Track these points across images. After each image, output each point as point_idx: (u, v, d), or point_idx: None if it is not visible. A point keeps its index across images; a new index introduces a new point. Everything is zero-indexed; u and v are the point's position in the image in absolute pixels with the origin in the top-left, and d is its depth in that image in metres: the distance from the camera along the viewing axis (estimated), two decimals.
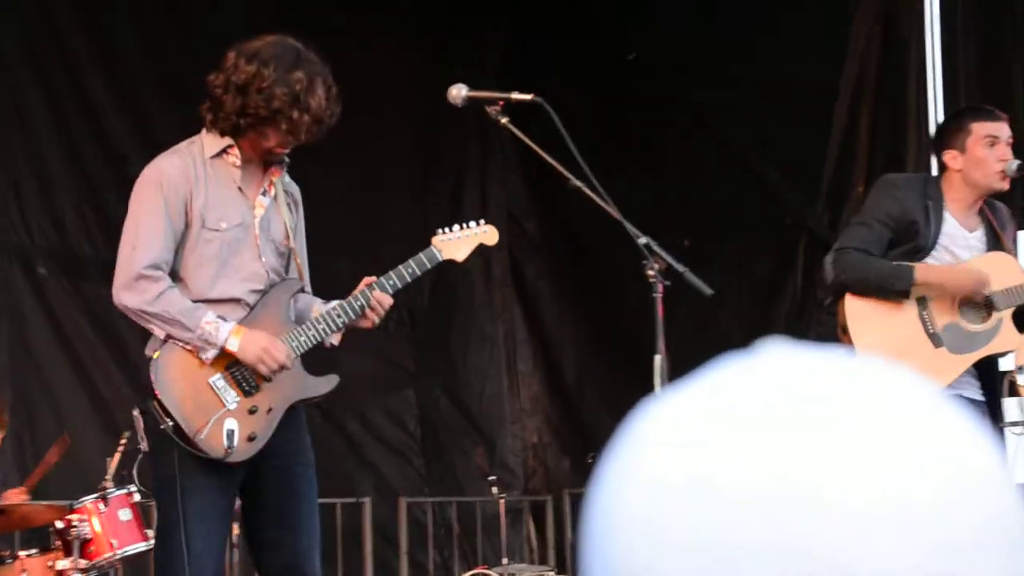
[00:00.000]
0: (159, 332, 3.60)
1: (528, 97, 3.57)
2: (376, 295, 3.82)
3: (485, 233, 4.12)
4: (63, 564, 5.42)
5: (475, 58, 8.78)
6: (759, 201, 8.44)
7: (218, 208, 3.71)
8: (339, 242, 7.29)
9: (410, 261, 3.91)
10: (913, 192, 4.30)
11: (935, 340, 4.20)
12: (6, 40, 7.35)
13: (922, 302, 4.22)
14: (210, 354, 3.61)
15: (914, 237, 4.23)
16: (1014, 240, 4.49)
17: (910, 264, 4.19)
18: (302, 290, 3.92)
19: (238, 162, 3.73)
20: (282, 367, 3.68)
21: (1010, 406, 6.75)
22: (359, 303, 3.84)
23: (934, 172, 7.38)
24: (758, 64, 8.33)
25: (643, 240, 3.35)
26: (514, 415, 9.24)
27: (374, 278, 3.86)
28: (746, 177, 8.49)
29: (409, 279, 3.89)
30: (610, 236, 8.39)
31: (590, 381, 9.05)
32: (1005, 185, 4.32)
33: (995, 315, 4.27)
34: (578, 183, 3.53)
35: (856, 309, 4.22)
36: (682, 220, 8.58)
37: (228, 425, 3.59)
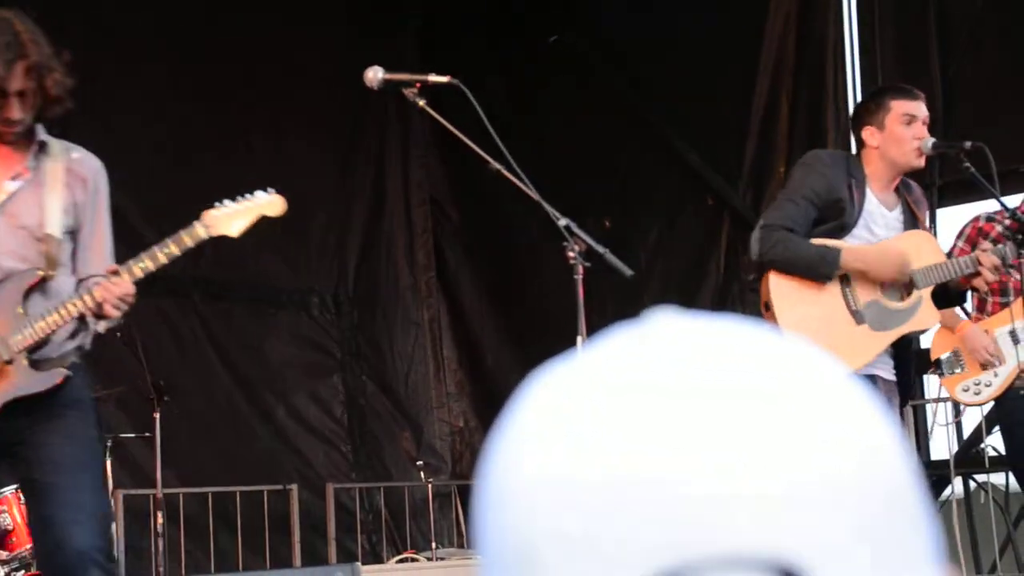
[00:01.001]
0: None
1: (445, 79, 3.54)
2: (104, 284, 3.55)
3: (270, 203, 3.81)
4: None
5: (395, 42, 8.74)
6: (680, 181, 8.47)
7: None
8: (262, 230, 7.22)
9: (167, 240, 3.62)
10: (839, 169, 4.32)
11: (857, 317, 4.23)
12: None
13: (845, 279, 4.25)
14: None
15: (839, 215, 4.25)
16: (929, 219, 4.55)
17: (836, 247, 4.21)
18: (44, 280, 3.66)
19: None
20: None
21: (930, 383, 6.86)
22: (85, 292, 3.59)
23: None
24: (679, 45, 8.36)
25: (563, 222, 3.34)
26: (440, 399, 9.23)
27: (116, 267, 3.59)
28: (668, 157, 8.51)
29: (165, 260, 3.58)
30: (531, 220, 8.45)
31: (511, 365, 9.07)
32: (921, 163, 4.36)
33: (915, 293, 4.31)
34: (498, 166, 3.51)
35: (779, 286, 4.24)
36: (603, 201, 8.61)
37: None
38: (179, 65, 7.96)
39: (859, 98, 7.69)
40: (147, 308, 7.86)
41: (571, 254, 3.39)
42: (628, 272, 3.39)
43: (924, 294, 4.34)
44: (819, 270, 4.21)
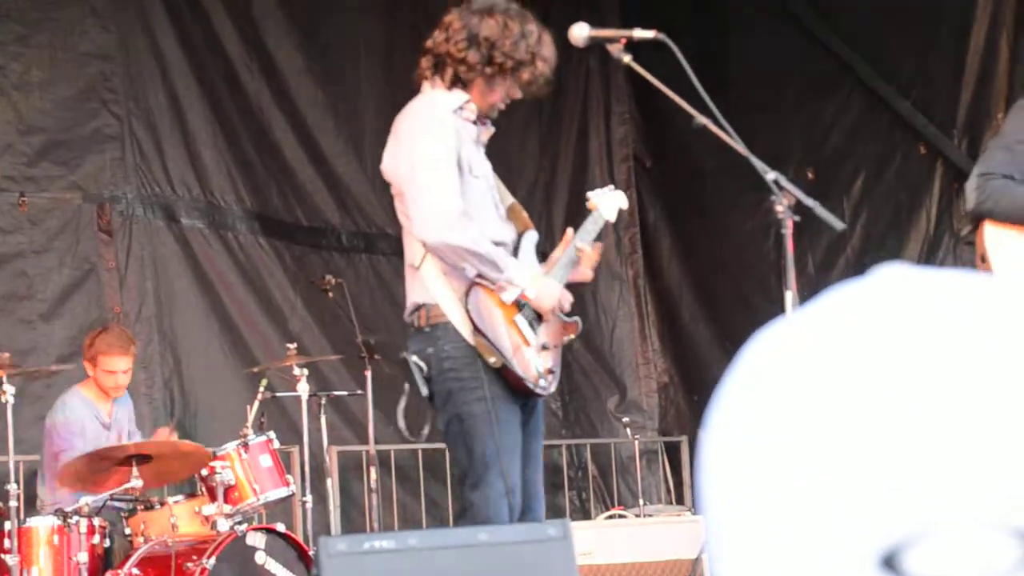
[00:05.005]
0: (471, 271, 3.66)
1: (651, 34, 3.50)
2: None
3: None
4: (209, 509, 5.55)
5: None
6: (889, 130, 8.24)
7: (474, 160, 3.82)
8: None
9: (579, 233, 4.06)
10: None
11: None
12: None
13: None
14: (511, 295, 3.68)
15: None
16: None
17: None
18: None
19: (472, 117, 3.81)
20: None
21: None
22: (573, 253, 3.99)
23: None
24: None
25: (771, 175, 3.27)
26: (645, 356, 9.22)
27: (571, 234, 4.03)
28: (876, 105, 8.28)
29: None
30: (731, 174, 8.34)
31: (708, 322, 9.02)
32: None
33: None
34: (705, 120, 3.46)
35: (997, 237, 4.08)
36: (805, 151, 8.45)
37: (534, 360, 3.70)
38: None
39: None
40: (360, 264, 8.08)
41: (779, 208, 3.32)
42: (841, 225, 3.32)
43: None
44: None
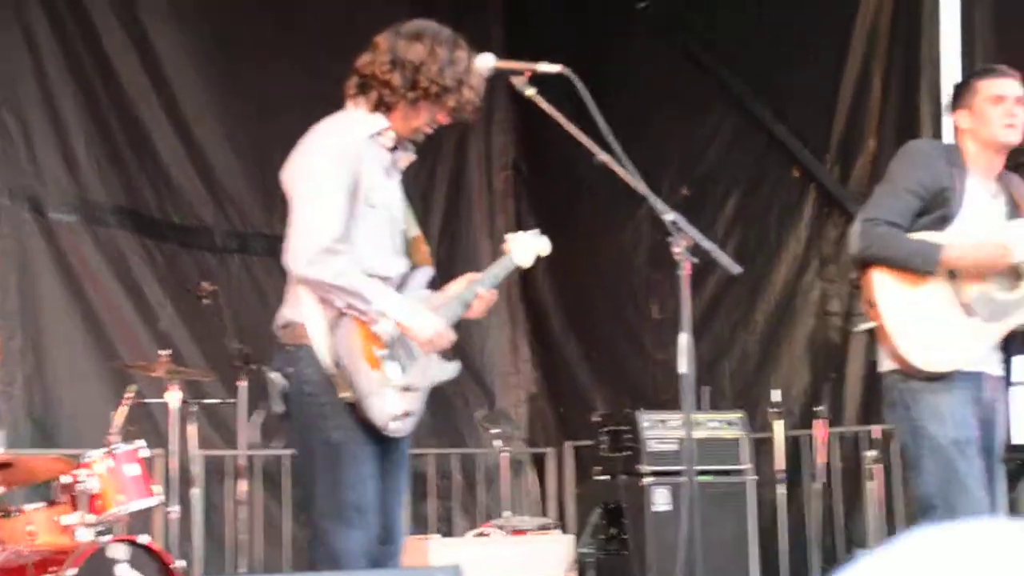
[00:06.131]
0: (339, 302, 3.58)
1: (556, 68, 3.48)
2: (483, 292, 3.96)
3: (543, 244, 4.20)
4: (70, 519, 5.39)
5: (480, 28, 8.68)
6: (764, 152, 8.35)
7: (378, 187, 3.72)
8: None
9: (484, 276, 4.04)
10: (940, 159, 4.23)
11: (967, 310, 4.14)
12: None
13: (950, 271, 4.16)
14: (384, 327, 3.60)
15: (943, 204, 4.16)
16: None
17: (937, 244, 4.12)
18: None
19: (389, 144, 3.74)
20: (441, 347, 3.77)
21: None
22: (468, 299, 3.95)
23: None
24: (768, 13, 8.22)
25: (670, 216, 3.27)
26: (516, 366, 9.22)
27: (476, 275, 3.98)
28: (752, 127, 8.39)
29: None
30: (605, 186, 8.37)
31: (578, 336, 9.07)
32: (1016, 138, 4.26)
33: (1022, 284, 4.20)
34: (604, 157, 3.46)
35: (884, 282, 4.16)
36: (680, 168, 8.54)
37: (391, 401, 3.61)
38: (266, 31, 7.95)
39: (956, 73, 7.52)
40: (233, 265, 7.93)
41: (677, 249, 3.32)
42: (736, 269, 3.33)
43: None
44: (921, 267, 4.13)
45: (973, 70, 4.49)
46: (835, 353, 7.84)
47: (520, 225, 9.28)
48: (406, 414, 3.65)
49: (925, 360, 4.14)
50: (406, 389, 3.64)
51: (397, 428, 3.62)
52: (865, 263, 4.18)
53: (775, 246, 8.19)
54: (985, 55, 7.34)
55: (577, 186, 8.91)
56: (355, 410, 3.56)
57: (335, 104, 3.76)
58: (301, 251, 3.53)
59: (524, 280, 9.19)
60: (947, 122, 7.43)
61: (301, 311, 3.62)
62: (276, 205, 7.69)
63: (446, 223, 8.93)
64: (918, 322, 4.15)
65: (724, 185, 8.48)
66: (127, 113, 7.63)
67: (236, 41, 8.04)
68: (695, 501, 3.02)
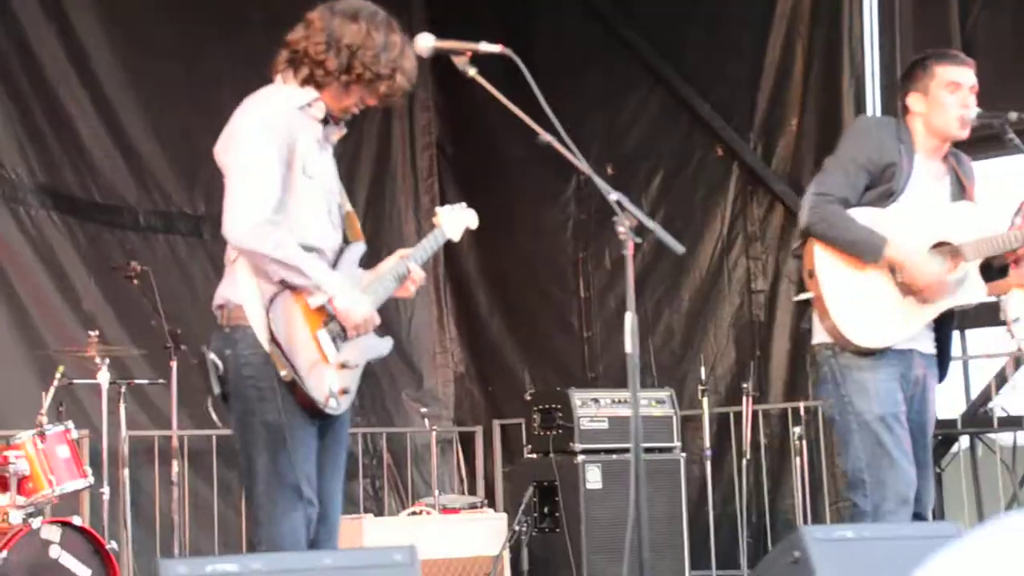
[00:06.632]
0: (275, 276, 3.53)
1: (497, 49, 3.46)
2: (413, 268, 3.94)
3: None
4: (1, 500, 5.36)
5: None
6: (688, 130, 8.40)
7: (311, 160, 3.67)
8: None
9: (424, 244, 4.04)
10: (889, 134, 4.25)
11: (903, 289, 4.20)
12: None
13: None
14: (317, 300, 3.56)
15: (889, 179, 4.19)
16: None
17: (883, 238, 4.15)
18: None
19: (320, 116, 3.69)
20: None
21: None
22: (401, 272, 3.93)
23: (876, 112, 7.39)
24: None
25: (614, 196, 3.26)
26: (442, 345, 9.22)
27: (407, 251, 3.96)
28: (676, 106, 8.43)
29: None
30: (532, 163, 8.38)
31: (504, 313, 9.08)
32: (963, 133, 4.29)
33: (962, 266, 4.25)
34: (548, 138, 3.45)
35: (824, 256, 4.21)
36: (606, 147, 8.56)
37: (329, 378, 3.57)
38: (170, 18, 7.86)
39: (876, 52, 7.62)
40: (157, 245, 7.82)
41: (621, 229, 3.33)
42: (680, 249, 3.34)
43: (971, 267, 4.29)
44: (863, 256, 4.18)
45: (928, 52, 4.49)
46: (761, 330, 7.93)
47: (445, 203, 9.26)
48: (343, 391, 3.63)
49: (859, 336, 4.20)
50: (343, 366, 3.62)
51: (335, 406, 3.60)
52: (812, 236, 4.23)
53: (700, 224, 8.26)
54: (903, 32, 7.44)
55: (500, 165, 8.91)
56: (293, 390, 3.54)
57: (263, 80, 3.72)
58: (238, 223, 3.49)
59: (449, 259, 9.17)
60: (869, 100, 7.54)
61: (237, 290, 3.58)
62: (199, 185, 7.71)
63: (370, 202, 8.88)
64: (855, 297, 4.21)
65: (649, 164, 8.52)
66: (47, 93, 7.49)
67: (158, 18, 7.92)
68: (641, 479, 3.04)
